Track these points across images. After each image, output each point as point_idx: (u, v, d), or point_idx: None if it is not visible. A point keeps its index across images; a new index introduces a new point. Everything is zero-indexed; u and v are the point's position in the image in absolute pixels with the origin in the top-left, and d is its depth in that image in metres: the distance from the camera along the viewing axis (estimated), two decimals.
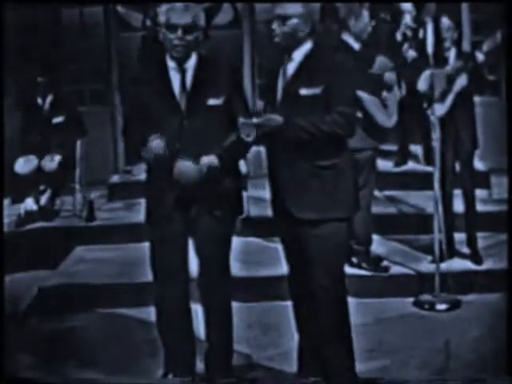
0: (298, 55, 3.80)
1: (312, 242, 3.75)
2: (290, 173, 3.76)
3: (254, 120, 3.68)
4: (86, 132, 7.00)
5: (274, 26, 3.76)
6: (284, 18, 3.73)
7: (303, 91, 3.72)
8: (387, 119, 5.52)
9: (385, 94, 5.48)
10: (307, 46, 3.80)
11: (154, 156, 3.74)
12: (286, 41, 3.77)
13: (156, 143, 3.73)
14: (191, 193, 3.83)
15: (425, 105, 5.59)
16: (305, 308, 3.92)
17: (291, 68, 3.81)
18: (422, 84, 5.57)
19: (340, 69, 3.77)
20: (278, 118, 3.68)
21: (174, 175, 3.77)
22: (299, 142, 3.69)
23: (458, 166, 5.74)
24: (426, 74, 5.51)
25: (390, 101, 5.53)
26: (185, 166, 3.77)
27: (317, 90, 3.71)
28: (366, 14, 5.51)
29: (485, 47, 5.55)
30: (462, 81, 5.55)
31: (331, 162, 3.76)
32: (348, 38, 5.45)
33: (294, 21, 3.73)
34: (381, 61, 5.56)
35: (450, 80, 5.56)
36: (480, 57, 5.59)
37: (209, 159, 3.79)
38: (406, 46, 6.91)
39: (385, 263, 5.67)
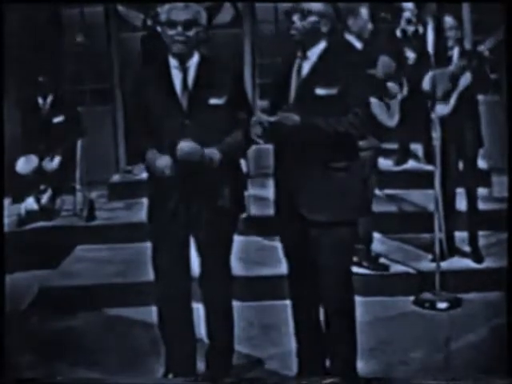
0: (314, 54, 3.75)
1: (322, 244, 3.72)
2: (303, 174, 3.71)
3: (271, 118, 3.62)
4: (85, 132, 7.00)
5: (295, 18, 3.70)
6: (306, 13, 3.68)
7: (319, 91, 3.67)
8: (389, 119, 5.52)
9: (387, 101, 5.49)
10: (322, 45, 3.75)
11: (159, 175, 3.78)
12: (303, 36, 3.71)
13: (164, 162, 3.76)
14: (192, 191, 3.84)
15: (428, 104, 5.58)
16: (306, 308, 3.93)
17: (306, 67, 3.76)
18: (426, 84, 5.55)
19: (356, 69, 3.73)
20: (295, 117, 3.62)
21: (178, 155, 3.75)
22: (314, 142, 3.65)
23: (461, 165, 5.73)
24: (430, 73, 5.50)
25: (392, 101, 5.53)
26: (188, 146, 3.74)
27: (333, 91, 3.66)
28: (364, 11, 5.50)
29: (487, 44, 5.53)
30: (465, 79, 5.54)
31: (344, 164, 3.72)
32: (350, 37, 5.45)
33: (315, 18, 3.69)
34: (384, 61, 5.55)
35: (454, 79, 5.55)
36: (483, 53, 5.56)
37: (209, 150, 3.79)
38: (406, 44, 6.91)
39: (385, 261, 5.67)
